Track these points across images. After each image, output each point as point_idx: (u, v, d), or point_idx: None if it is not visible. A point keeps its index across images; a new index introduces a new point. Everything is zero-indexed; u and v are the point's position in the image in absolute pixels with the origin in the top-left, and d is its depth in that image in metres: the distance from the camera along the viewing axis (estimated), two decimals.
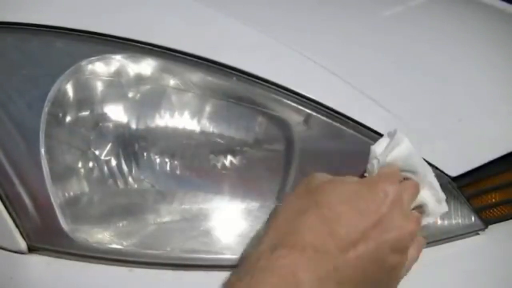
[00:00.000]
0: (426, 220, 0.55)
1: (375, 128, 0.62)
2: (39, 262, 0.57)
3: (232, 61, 0.62)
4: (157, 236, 0.59)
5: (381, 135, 0.61)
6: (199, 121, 0.61)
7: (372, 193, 0.48)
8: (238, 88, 0.62)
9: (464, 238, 0.65)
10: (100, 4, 0.66)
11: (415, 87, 0.70)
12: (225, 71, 0.62)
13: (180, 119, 0.61)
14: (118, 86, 0.61)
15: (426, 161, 0.58)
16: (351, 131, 0.62)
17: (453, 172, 0.63)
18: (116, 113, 0.60)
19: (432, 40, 0.81)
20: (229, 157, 0.61)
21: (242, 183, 0.62)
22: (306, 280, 0.43)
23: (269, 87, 0.62)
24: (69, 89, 0.60)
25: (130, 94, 0.61)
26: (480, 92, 0.73)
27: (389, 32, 0.81)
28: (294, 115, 0.62)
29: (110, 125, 0.60)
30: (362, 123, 0.62)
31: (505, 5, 1.06)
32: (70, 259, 0.57)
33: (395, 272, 0.49)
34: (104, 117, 0.60)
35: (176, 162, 0.61)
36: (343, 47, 0.73)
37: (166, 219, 0.60)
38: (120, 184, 0.60)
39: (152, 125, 0.61)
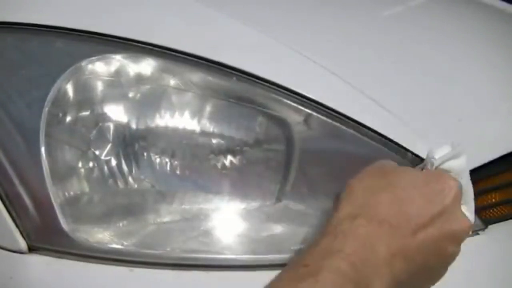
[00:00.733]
0: None
1: (375, 128, 0.62)
2: (39, 262, 0.57)
3: (232, 61, 0.62)
4: (157, 236, 0.59)
5: (381, 135, 0.61)
6: (199, 121, 0.61)
7: (439, 184, 0.51)
8: (238, 88, 0.62)
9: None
10: (100, 4, 0.66)
11: (415, 87, 0.70)
12: (225, 71, 0.62)
13: (180, 119, 0.61)
14: (118, 86, 0.61)
15: None
16: (351, 131, 0.62)
17: None
18: (116, 113, 0.60)
19: (432, 40, 0.81)
20: (229, 157, 0.61)
21: (242, 183, 0.62)
22: (381, 251, 0.46)
23: (269, 87, 0.62)
24: (69, 89, 0.60)
25: (130, 94, 0.61)
26: (480, 92, 0.73)
27: (389, 32, 0.81)
28: (294, 115, 0.62)
29: (110, 125, 0.60)
30: (362, 123, 0.62)
31: (505, 5, 1.06)
32: (70, 259, 0.57)
33: (448, 262, 0.52)
34: (104, 117, 0.60)
35: (176, 162, 0.61)
36: (343, 47, 0.73)
37: (166, 219, 0.60)
38: (120, 184, 0.60)
39: (152, 125, 0.61)
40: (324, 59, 0.66)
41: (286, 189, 0.61)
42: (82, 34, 0.62)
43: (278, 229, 0.61)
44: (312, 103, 0.62)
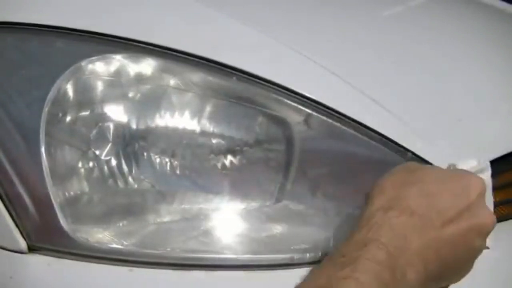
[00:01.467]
0: None
1: (375, 128, 0.62)
2: (39, 262, 0.57)
3: (232, 61, 0.62)
4: (157, 236, 0.59)
5: (381, 135, 0.61)
6: (199, 121, 0.61)
7: (465, 180, 0.53)
8: (238, 88, 0.62)
9: None
10: (100, 4, 0.66)
11: (415, 87, 0.70)
12: (225, 71, 0.62)
13: (180, 119, 0.61)
14: (118, 86, 0.61)
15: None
16: (351, 131, 0.62)
17: None
18: (116, 113, 0.60)
19: (432, 40, 0.81)
20: (229, 157, 0.61)
21: (242, 183, 0.62)
22: (414, 241, 0.48)
23: (269, 87, 0.62)
24: (69, 89, 0.60)
25: (130, 94, 0.61)
26: (480, 92, 0.73)
27: (389, 32, 0.81)
28: (294, 115, 0.62)
29: (110, 125, 0.60)
30: (362, 123, 0.62)
31: (505, 5, 1.06)
32: (70, 259, 0.57)
33: (475, 255, 0.53)
34: (104, 117, 0.60)
35: (176, 162, 0.61)
36: (343, 47, 0.73)
37: (166, 219, 0.60)
38: (120, 184, 0.60)
39: (152, 125, 0.61)
40: (324, 59, 0.66)
41: (286, 189, 0.61)
42: (82, 34, 0.62)
43: (278, 229, 0.61)
44: (312, 103, 0.62)
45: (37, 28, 0.62)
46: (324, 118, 0.62)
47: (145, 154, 0.60)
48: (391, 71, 0.71)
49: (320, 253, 0.58)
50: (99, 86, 0.61)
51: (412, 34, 0.82)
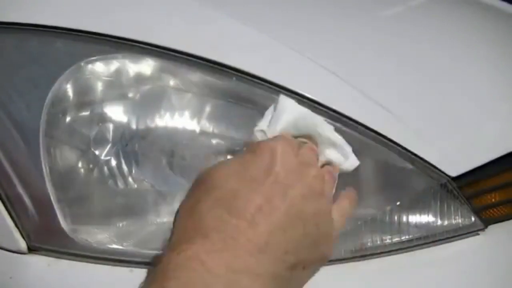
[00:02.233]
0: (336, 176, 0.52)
1: (375, 128, 0.62)
2: (39, 262, 0.57)
3: (232, 61, 0.62)
4: (157, 236, 0.59)
5: (381, 135, 0.61)
6: (199, 121, 0.61)
7: (258, 156, 0.46)
8: (238, 88, 0.62)
9: (464, 238, 0.65)
10: (100, 4, 0.66)
11: (415, 87, 0.70)
12: (225, 71, 0.62)
13: (180, 119, 0.61)
14: (118, 86, 0.61)
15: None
16: (351, 131, 0.62)
17: (453, 172, 0.63)
18: (116, 113, 0.60)
19: (432, 40, 0.81)
20: (229, 157, 0.61)
21: None
22: (212, 261, 0.41)
23: (269, 87, 0.62)
24: (69, 89, 0.60)
25: (130, 94, 0.61)
26: (480, 92, 0.73)
27: (389, 32, 0.81)
28: None
29: (110, 125, 0.60)
30: (362, 123, 0.62)
31: (505, 5, 1.06)
32: (70, 259, 0.57)
33: (320, 219, 0.46)
34: (104, 117, 0.60)
35: (176, 162, 0.61)
36: (343, 47, 0.73)
37: (166, 219, 0.60)
38: (120, 184, 0.60)
39: (152, 125, 0.61)
40: (324, 59, 0.66)
41: None
42: (82, 34, 0.62)
43: None
44: (312, 103, 0.62)
45: (37, 28, 0.62)
46: (324, 118, 0.62)
47: (145, 154, 0.60)
48: (391, 71, 0.71)
49: None
50: (99, 86, 0.61)
51: (412, 34, 0.82)
